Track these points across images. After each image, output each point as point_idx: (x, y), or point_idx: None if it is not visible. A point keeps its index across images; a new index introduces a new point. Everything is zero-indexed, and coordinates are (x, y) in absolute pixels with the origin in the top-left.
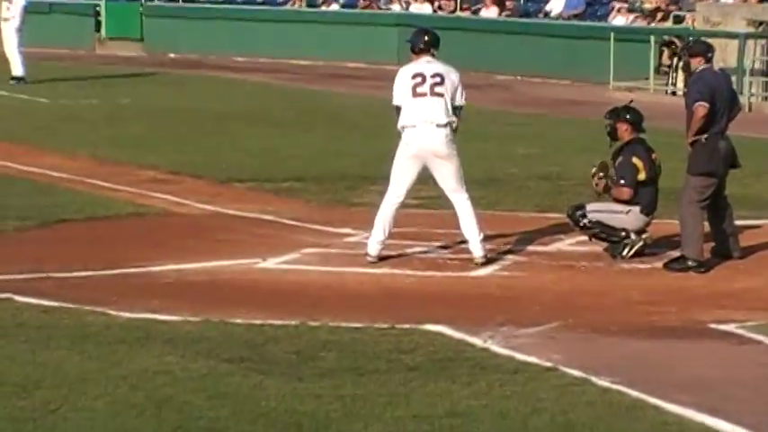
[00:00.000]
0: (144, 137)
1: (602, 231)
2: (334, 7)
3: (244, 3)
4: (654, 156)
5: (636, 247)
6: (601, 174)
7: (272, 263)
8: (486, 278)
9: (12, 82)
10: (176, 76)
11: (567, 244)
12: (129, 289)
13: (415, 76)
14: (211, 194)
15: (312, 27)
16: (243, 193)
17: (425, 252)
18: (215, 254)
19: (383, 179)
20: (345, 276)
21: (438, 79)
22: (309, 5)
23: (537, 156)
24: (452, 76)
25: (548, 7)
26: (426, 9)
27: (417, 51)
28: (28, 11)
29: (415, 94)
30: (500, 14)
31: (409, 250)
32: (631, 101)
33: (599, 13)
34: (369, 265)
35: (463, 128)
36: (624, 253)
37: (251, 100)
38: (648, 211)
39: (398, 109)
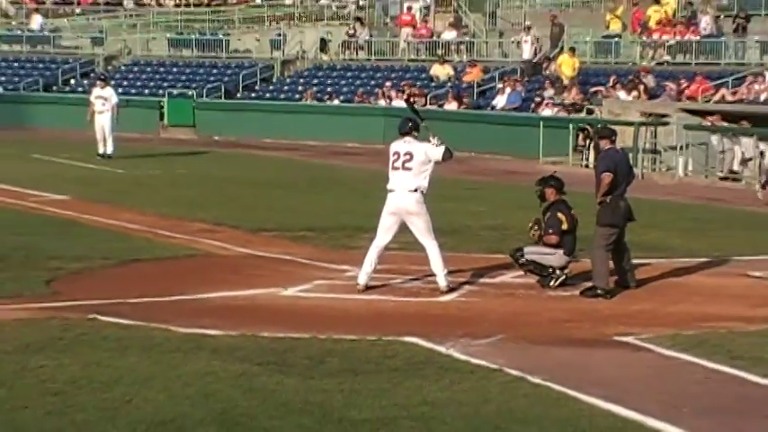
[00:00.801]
0: (196, 198)
1: (535, 268)
2: (336, 102)
3: (271, 99)
4: (573, 212)
5: (560, 280)
6: (536, 227)
7: (291, 291)
8: (449, 303)
9: (98, 157)
10: (220, 153)
11: (509, 277)
12: (185, 311)
13: (394, 153)
14: (246, 240)
15: (320, 116)
16: (270, 239)
17: (404, 283)
18: (249, 285)
19: (373, 229)
20: (345, 302)
21: (408, 157)
22: (317, 100)
23: (486, 212)
24: (420, 151)
25: (494, 102)
26: (402, 104)
27: (402, 133)
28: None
29: (393, 168)
30: (459, 107)
31: (392, 282)
32: (555, 171)
33: (531, 107)
34: (361, 293)
35: (432, 191)
36: (552, 284)
37: (276, 171)
38: (569, 252)
39: None
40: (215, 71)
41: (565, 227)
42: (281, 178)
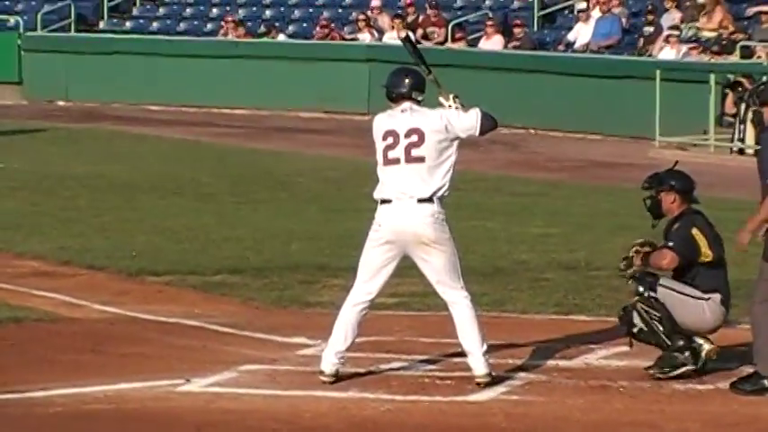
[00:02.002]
0: (24, 215)
1: (657, 323)
2: (282, 38)
3: (161, 32)
4: (715, 231)
5: (684, 368)
6: (637, 257)
7: (198, 385)
8: (490, 404)
9: None
10: (67, 132)
11: (598, 357)
12: (3, 423)
13: (386, 135)
14: (115, 292)
15: (252, 65)
16: (158, 289)
17: (406, 369)
18: (120, 374)
19: (349, 270)
20: (299, 403)
21: (415, 138)
22: (248, 35)
23: (557, 237)
24: (436, 124)
25: (570, 36)
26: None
27: (395, 98)
28: None
29: (386, 160)
30: (506, 46)
31: (384, 366)
32: (676, 162)
33: (639, 44)
34: (331, 388)
35: (458, 200)
36: (669, 372)
37: (169, 163)
38: (726, 300)
39: None
40: None
41: (707, 256)
42: (181, 178)
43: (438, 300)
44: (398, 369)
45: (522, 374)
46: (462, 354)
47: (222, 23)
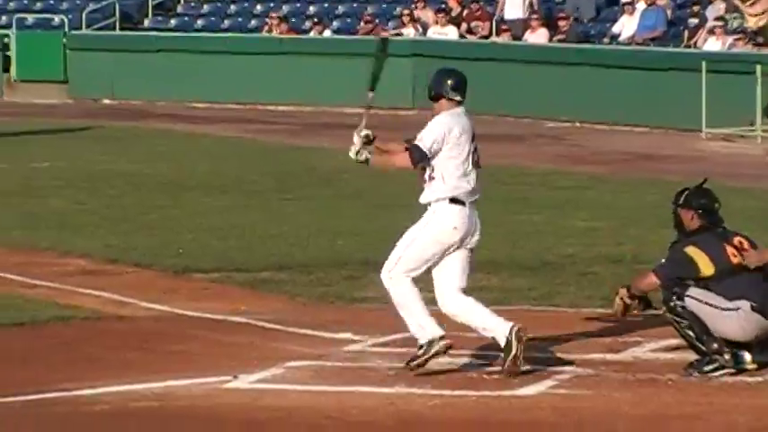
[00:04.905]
0: (69, 214)
1: (689, 328)
2: (327, 34)
3: (205, 29)
4: (738, 240)
5: (723, 372)
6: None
7: (245, 382)
8: (538, 398)
9: None
10: (112, 130)
11: (646, 350)
12: (51, 421)
13: (468, 137)
14: (162, 290)
15: (297, 60)
16: (205, 287)
17: (453, 364)
18: (167, 371)
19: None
20: (346, 399)
21: (476, 143)
22: (292, 31)
23: (603, 230)
24: None
25: (615, 29)
26: (451, 33)
27: (438, 97)
28: None
29: (473, 163)
30: (551, 40)
31: (432, 361)
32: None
33: (684, 36)
34: (378, 384)
35: (504, 195)
36: (707, 369)
37: (215, 161)
38: (761, 306)
39: (422, 158)
40: None
41: (707, 271)
42: (227, 175)
43: (485, 294)
44: (445, 364)
45: (569, 368)
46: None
47: (266, 20)
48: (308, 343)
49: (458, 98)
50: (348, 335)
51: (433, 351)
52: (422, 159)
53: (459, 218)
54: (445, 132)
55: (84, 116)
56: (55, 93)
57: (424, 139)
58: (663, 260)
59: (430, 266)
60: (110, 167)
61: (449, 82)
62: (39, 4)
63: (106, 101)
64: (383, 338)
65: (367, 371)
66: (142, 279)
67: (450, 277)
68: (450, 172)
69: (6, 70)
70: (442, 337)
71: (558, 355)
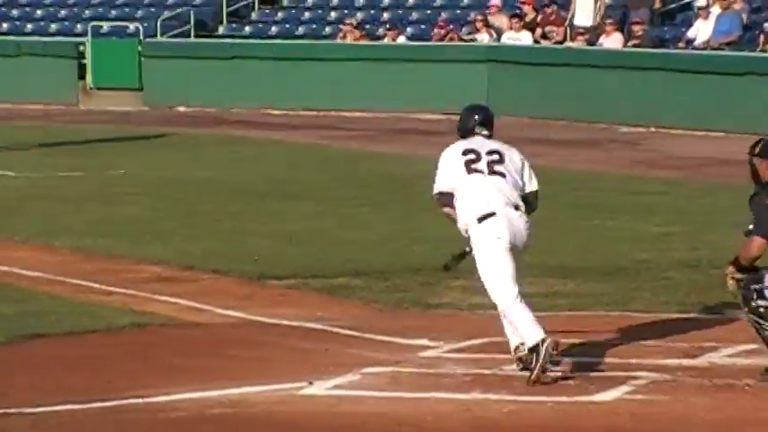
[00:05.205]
0: (145, 220)
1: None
2: (401, 40)
3: (279, 36)
4: None
5: None
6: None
7: (321, 388)
8: (614, 404)
9: None
10: (188, 138)
11: (722, 355)
12: (128, 428)
13: (466, 152)
14: (238, 296)
15: (371, 67)
16: (281, 293)
17: (529, 370)
18: (243, 377)
19: (470, 272)
20: (422, 405)
21: (496, 156)
22: (367, 37)
23: (679, 235)
24: (515, 157)
25: (690, 33)
26: (525, 39)
27: (465, 134)
28: None
29: (470, 171)
30: (625, 45)
31: (507, 367)
32: None
33: (760, 40)
34: (454, 390)
35: (578, 200)
36: None
37: (290, 167)
38: None
39: (442, 199)
40: None
41: None
42: (302, 181)
43: (559, 300)
44: (521, 370)
45: (646, 374)
46: (587, 354)
47: (341, 27)
48: (383, 349)
49: (485, 132)
50: (424, 341)
51: (542, 354)
52: (438, 200)
53: (495, 228)
54: (441, 168)
55: (159, 123)
56: (130, 100)
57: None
58: (751, 225)
59: (513, 273)
60: (185, 174)
61: (476, 117)
62: (114, 12)
63: (181, 108)
64: (459, 344)
65: (443, 377)
66: (218, 286)
67: None
68: (462, 198)
69: (82, 78)
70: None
71: (633, 360)
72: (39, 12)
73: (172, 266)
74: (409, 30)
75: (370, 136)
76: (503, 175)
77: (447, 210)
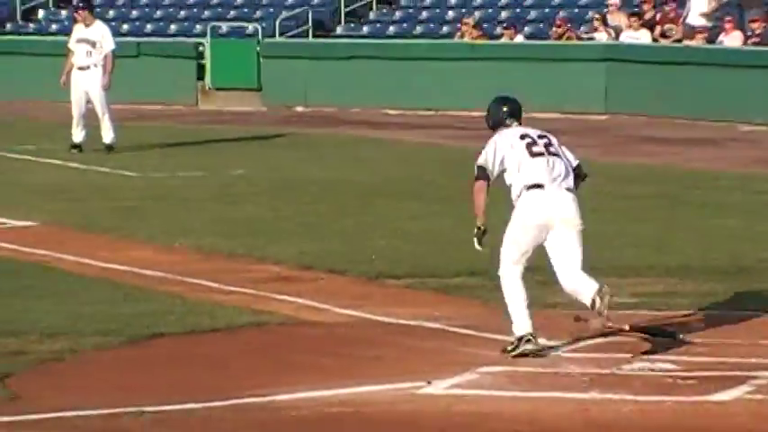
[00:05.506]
0: (264, 220)
1: None
2: (519, 39)
3: (395, 36)
4: None
5: None
6: None
7: (439, 387)
8: (734, 404)
9: (73, 150)
10: (306, 137)
11: None
12: (247, 426)
13: (523, 137)
14: (356, 296)
15: (489, 66)
16: (399, 292)
17: (648, 369)
18: (361, 376)
19: (587, 270)
20: (541, 404)
21: (546, 140)
22: (484, 36)
23: None
24: (554, 139)
25: None
26: (644, 37)
27: (497, 126)
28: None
29: (532, 154)
30: (745, 42)
31: (626, 366)
32: None
33: None
34: (573, 389)
35: (698, 199)
36: None
37: (407, 167)
38: None
39: (483, 174)
40: None
41: None
42: (420, 181)
43: (679, 300)
44: (640, 369)
45: (766, 373)
46: (707, 353)
47: (459, 26)
48: (501, 348)
49: (515, 124)
50: (542, 340)
51: (521, 348)
52: (480, 173)
53: (536, 199)
54: (495, 149)
55: (278, 123)
56: (249, 100)
57: (480, 158)
58: None
59: (530, 256)
60: (304, 174)
61: (504, 109)
62: (233, 13)
63: (299, 108)
64: (577, 344)
65: (561, 376)
66: (336, 285)
67: (564, 259)
68: (514, 171)
69: (201, 78)
70: (531, 336)
71: (754, 360)
72: (158, 12)
73: (290, 266)
74: (527, 29)
75: (487, 135)
76: (558, 155)
77: (480, 183)
